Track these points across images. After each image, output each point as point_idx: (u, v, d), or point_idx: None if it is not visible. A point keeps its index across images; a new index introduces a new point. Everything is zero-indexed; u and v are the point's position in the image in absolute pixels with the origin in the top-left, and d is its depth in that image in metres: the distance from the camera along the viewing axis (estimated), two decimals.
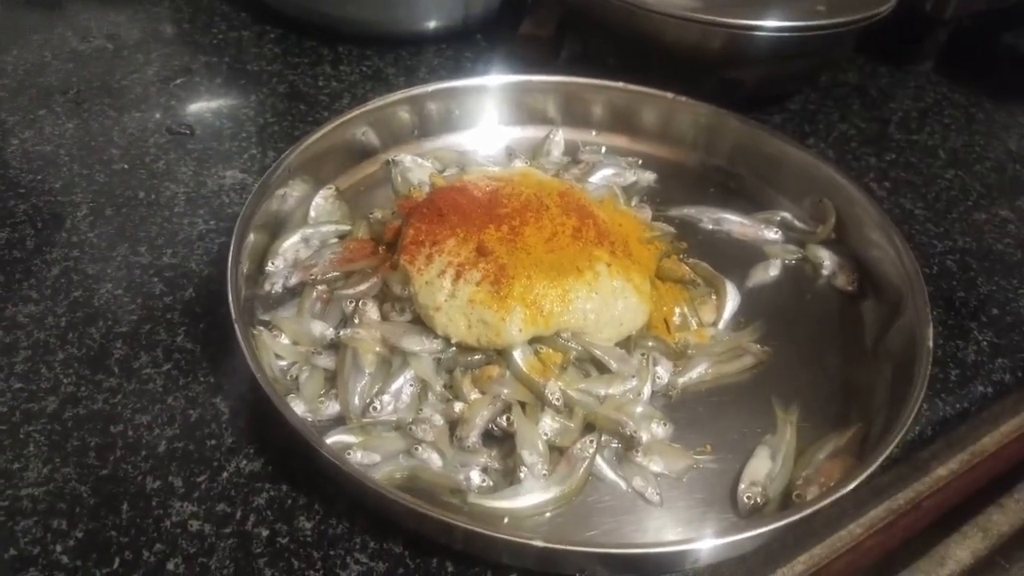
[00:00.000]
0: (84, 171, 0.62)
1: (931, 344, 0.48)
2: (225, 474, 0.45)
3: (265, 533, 0.42)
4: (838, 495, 0.41)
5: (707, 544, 0.40)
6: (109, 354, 0.50)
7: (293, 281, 0.53)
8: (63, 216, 0.59)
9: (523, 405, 0.47)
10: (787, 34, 0.68)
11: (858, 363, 0.52)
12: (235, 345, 0.45)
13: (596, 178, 0.63)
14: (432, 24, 0.78)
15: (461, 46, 0.80)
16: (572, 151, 0.67)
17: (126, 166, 0.63)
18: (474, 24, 0.80)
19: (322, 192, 0.59)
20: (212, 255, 0.57)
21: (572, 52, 0.79)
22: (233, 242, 0.49)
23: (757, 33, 0.67)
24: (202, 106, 0.71)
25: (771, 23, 0.67)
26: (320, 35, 0.79)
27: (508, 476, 0.45)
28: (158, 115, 0.69)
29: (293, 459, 0.45)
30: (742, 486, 0.45)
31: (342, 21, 0.77)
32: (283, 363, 0.49)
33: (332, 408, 0.47)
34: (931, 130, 0.77)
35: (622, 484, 0.45)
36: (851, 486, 0.41)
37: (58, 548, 0.41)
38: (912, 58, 0.85)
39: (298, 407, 0.46)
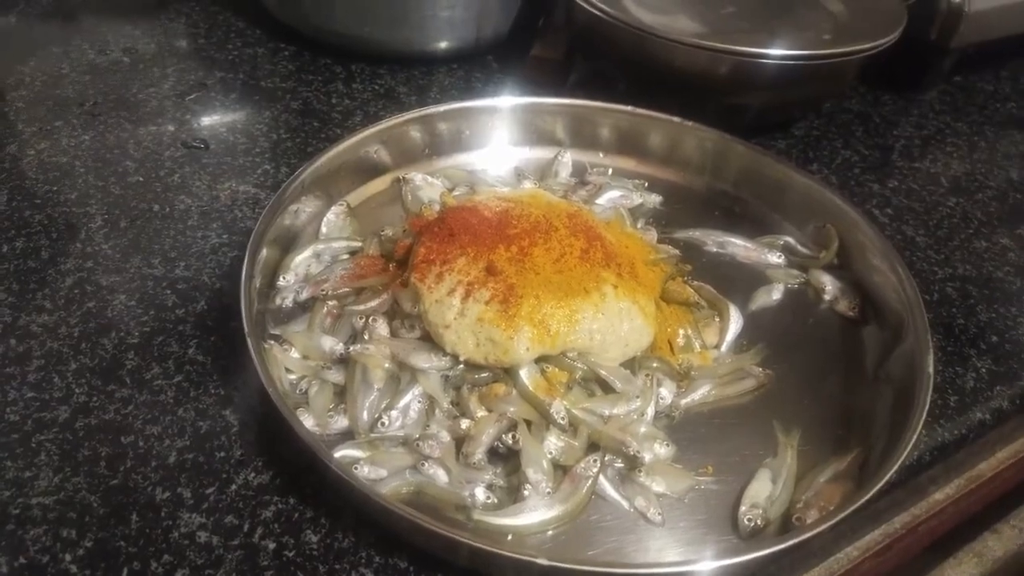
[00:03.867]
0: (99, 183, 0.63)
1: (931, 371, 0.48)
2: (234, 486, 0.45)
3: (272, 546, 0.43)
4: (837, 519, 0.42)
5: (707, 566, 0.41)
6: (121, 365, 0.50)
7: (304, 296, 0.54)
8: (78, 227, 0.59)
9: (528, 423, 0.47)
10: (793, 62, 0.69)
11: (859, 388, 0.53)
12: (246, 358, 0.45)
13: (603, 200, 0.64)
14: (444, 45, 0.79)
15: (472, 67, 0.81)
16: (580, 173, 0.67)
17: (141, 179, 0.64)
18: (485, 46, 0.81)
19: (334, 208, 0.60)
20: (224, 268, 0.57)
21: (581, 75, 0.79)
22: (247, 256, 0.50)
23: (763, 61, 0.68)
24: (216, 121, 0.72)
25: (777, 51, 0.68)
26: (334, 53, 0.80)
27: (512, 493, 0.45)
28: (173, 129, 0.70)
29: (301, 473, 0.45)
30: (743, 508, 0.46)
31: (356, 40, 0.78)
32: (293, 377, 0.49)
33: (340, 423, 0.48)
34: (933, 158, 0.78)
35: (624, 504, 0.46)
36: (850, 510, 0.42)
37: (67, 557, 0.41)
38: (916, 86, 0.86)
39: (307, 421, 0.47)
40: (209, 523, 0.43)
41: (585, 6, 0.71)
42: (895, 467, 0.43)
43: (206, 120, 0.71)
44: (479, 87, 0.79)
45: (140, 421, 0.48)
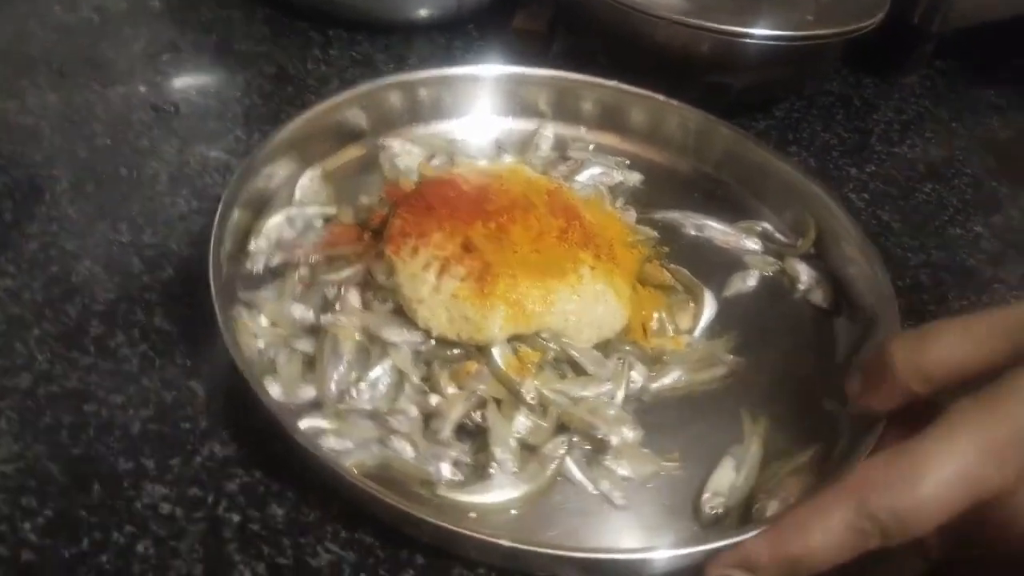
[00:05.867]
0: (66, 145, 0.62)
1: None
2: (199, 458, 0.45)
3: (236, 519, 0.42)
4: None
5: (664, 554, 0.42)
6: (85, 332, 0.50)
7: (276, 261, 0.53)
8: (43, 190, 0.58)
9: (498, 402, 0.47)
10: (775, 42, 0.69)
11: (828, 380, 0.52)
12: (214, 325, 0.45)
13: (583, 176, 0.64)
14: (424, 12, 0.78)
15: (452, 36, 0.80)
16: (561, 147, 0.67)
17: (108, 141, 0.63)
18: (467, 14, 0.80)
19: (308, 173, 0.60)
20: (193, 236, 0.56)
21: (563, 48, 0.79)
22: (217, 218, 0.50)
23: (745, 40, 0.68)
24: (188, 84, 0.70)
25: (760, 31, 0.68)
26: (311, 18, 0.78)
27: (479, 471, 0.45)
28: (143, 91, 0.68)
29: (267, 445, 0.45)
30: (705, 495, 0.46)
31: (333, 5, 0.77)
32: (261, 344, 0.49)
33: (308, 393, 0.47)
34: (912, 143, 0.78)
35: (589, 486, 0.46)
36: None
37: (27, 526, 0.41)
38: (897, 70, 0.86)
39: (274, 389, 0.47)
40: (172, 494, 0.43)
41: None
42: (855, 464, 0.44)
43: (177, 83, 0.70)
44: (458, 56, 0.78)
45: (103, 390, 0.47)
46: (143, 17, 0.76)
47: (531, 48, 0.78)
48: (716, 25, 0.68)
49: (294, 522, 0.43)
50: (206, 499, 0.43)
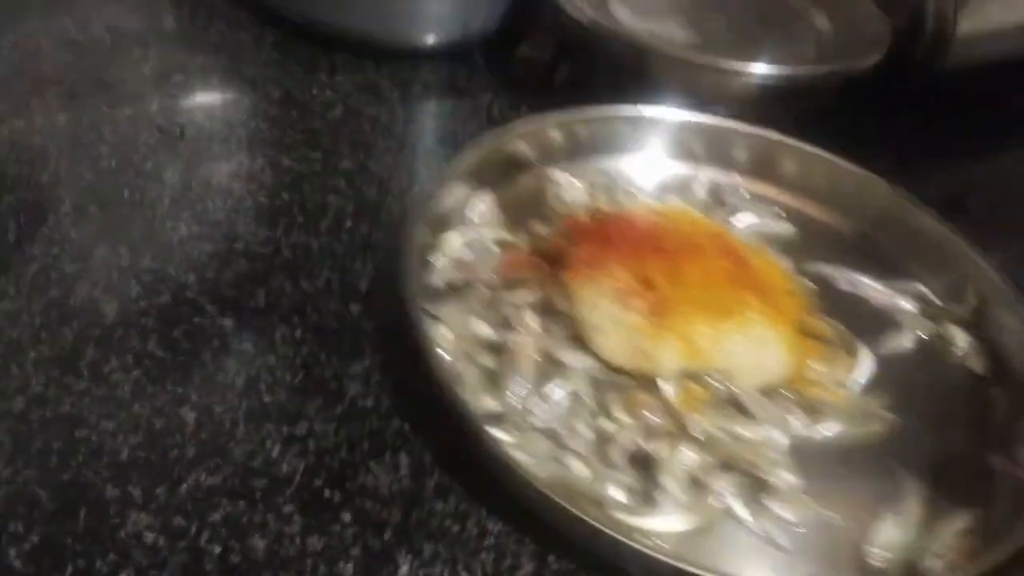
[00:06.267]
0: (72, 166, 0.69)
1: None
2: (184, 486, 0.48)
3: (218, 550, 0.46)
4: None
5: None
6: (81, 356, 0.54)
7: (457, 278, 0.60)
8: (47, 211, 0.64)
9: (668, 434, 0.53)
10: (774, 82, 0.74)
11: (985, 447, 0.57)
12: (408, 332, 0.50)
13: (740, 224, 0.69)
14: (430, 39, 0.84)
15: (457, 63, 0.86)
16: (715, 193, 0.72)
17: (114, 164, 0.69)
18: (472, 42, 0.87)
19: (483, 197, 0.66)
20: (192, 261, 0.62)
21: (567, 78, 0.84)
22: (406, 234, 0.56)
23: (746, 77, 0.73)
24: (194, 106, 0.76)
25: (761, 69, 0.73)
26: (318, 43, 0.85)
27: (646, 499, 0.50)
28: (150, 113, 0.74)
29: (255, 476, 0.48)
30: (871, 548, 0.50)
31: (340, 30, 0.83)
32: (447, 356, 0.54)
33: (490, 404, 0.52)
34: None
35: (753, 524, 0.50)
36: (981, 568, 0.47)
37: (12, 552, 0.45)
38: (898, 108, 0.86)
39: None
40: (156, 523, 0.46)
41: (571, 14, 0.77)
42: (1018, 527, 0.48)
43: (184, 105, 0.77)
44: (462, 84, 0.85)
45: (95, 415, 0.51)
46: (154, 37, 0.84)
47: (535, 77, 0.85)
48: (719, 61, 0.74)
49: (275, 555, 0.45)
50: (189, 529, 0.46)
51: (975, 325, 0.64)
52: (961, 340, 0.63)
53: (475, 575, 0.46)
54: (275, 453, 0.50)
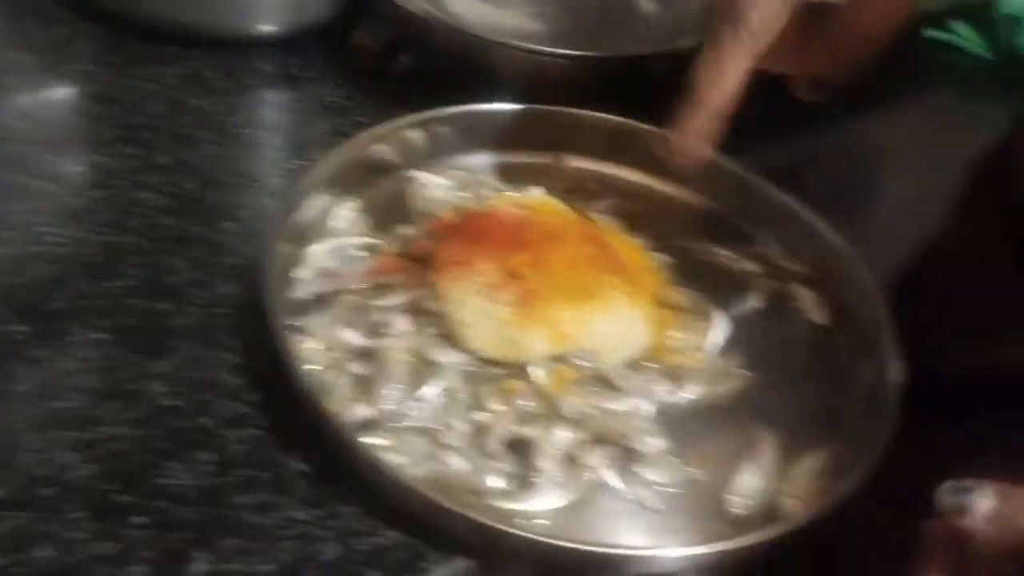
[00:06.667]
0: None
1: (899, 379, 0.61)
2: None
3: (1, 563, 0.47)
4: (818, 510, 0.53)
5: (698, 551, 0.51)
6: None
7: (323, 289, 0.64)
8: None
9: (541, 417, 0.59)
10: (612, 66, 0.82)
11: (831, 393, 0.65)
12: (275, 351, 0.54)
13: (600, 207, 0.77)
14: (261, 28, 0.88)
15: (291, 52, 0.89)
16: (577, 180, 0.80)
17: None
18: (306, 30, 0.90)
19: (344, 204, 0.71)
20: None
21: (402, 66, 0.90)
22: (266, 248, 0.59)
23: (582, 63, 0.81)
24: (8, 107, 0.77)
25: (595, 54, 0.81)
26: (143, 37, 0.86)
27: (524, 482, 0.56)
28: None
29: (41, 485, 0.50)
30: (730, 498, 0.58)
31: (164, 21, 0.85)
32: (314, 367, 0.59)
33: (362, 412, 0.57)
34: None
35: (625, 492, 0.57)
36: (829, 503, 0.53)
37: None
38: None
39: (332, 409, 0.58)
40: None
41: (401, 3, 0.82)
42: (870, 465, 0.55)
43: None
44: (296, 73, 0.88)
45: None
46: None
47: (370, 65, 0.89)
48: (552, 50, 0.80)
49: (62, 564, 0.47)
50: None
51: (815, 280, 0.72)
52: (804, 295, 0.72)
53: (279, 564, 0.47)
54: (65, 460, 0.50)
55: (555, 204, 0.72)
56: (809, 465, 0.59)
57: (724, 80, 0.60)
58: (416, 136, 0.76)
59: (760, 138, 0.84)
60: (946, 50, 1.03)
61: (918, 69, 1.00)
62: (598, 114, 0.79)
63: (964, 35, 1.02)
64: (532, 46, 0.80)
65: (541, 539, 0.50)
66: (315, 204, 0.69)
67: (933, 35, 1.03)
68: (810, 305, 0.72)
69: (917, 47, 1.02)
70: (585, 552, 0.51)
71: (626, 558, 0.52)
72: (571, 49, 0.81)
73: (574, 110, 0.79)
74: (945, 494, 0.41)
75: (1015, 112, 0.70)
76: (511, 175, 0.79)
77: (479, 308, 0.60)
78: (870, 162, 0.90)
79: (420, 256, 0.66)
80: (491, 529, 0.50)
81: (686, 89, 0.61)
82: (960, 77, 1.02)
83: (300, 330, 0.61)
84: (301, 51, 0.89)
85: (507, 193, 0.75)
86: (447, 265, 0.63)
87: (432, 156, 0.77)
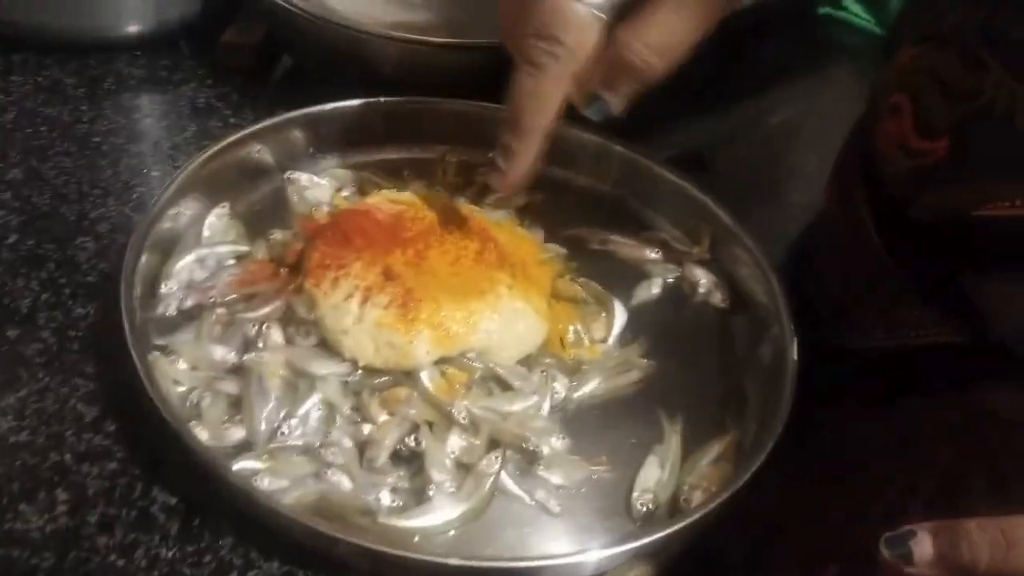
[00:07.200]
0: None
1: (796, 357, 0.60)
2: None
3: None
4: (720, 500, 0.52)
5: (604, 553, 0.50)
6: None
7: (189, 303, 0.61)
8: None
9: (431, 425, 0.57)
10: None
11: (733, 375, 0.65)
12: (132, 373, 0.51)
13: (491, 199, 0.74)
14: (124, 29, 0.83)
15: (158, 54, 0.86)
16: (466, 172, 0.77)
17: None
18: (174, 30, 0.87)
19: (215, 211, 0.68)
20: None
21: (280, 63, 0.87)
22: (125, 263, 0.56)
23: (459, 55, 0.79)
24: None
25: (469, 43, 0.78)
26: None
27: (417, 495, 0.54)
28: None
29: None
30: (635, 494, 0.56)
31: (18, 27, 0.81)
32: (182, 389, 0.56)
33: (237, 434, 0.55)
34: None
35: (526, 497, 0.56)
36: (730, 492, 0.52)
37: None
38: None
39: (202, 435, 0.54)
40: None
41: None
42: (768, 450, 0.54)
43: None
44: (165, 75, 0.85)
45: None
46: None
47: (244, 63, 0.85)
48: (436, 40, 0.78)
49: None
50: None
51: (713, 263, 0.72)
52: (703, 279, 0.71)
53: None
54: None
55: (438, 199, 0.70)
56: (712, 454, 0.59)
57: (548, 108, 0.58)
58: (294, 135, 0.72)
59: (669, 121, 0.83)
60: (840, 26, 1.05)
61: (817, 45, 1.02)
62: (485, 104, 0.76)
63: (855, 12, 1.05)
64: (413, 36, 0.78)
65: (433, 559, 0.48)
66: (182, 213, 0.65)
67: (828, 12, 1.06)
68: (709, 288, 0.72)
69: (813, 24, 1.05)
70: (486, 569, 0.49)
71: (534, 570, 0.49)
72: (455, 38, 0.79)
73: (460, 100, 0.77)
74: (886, 546, 0.43)
75: (872, 87, 0.67)
76: (397, 172, 0.76)
77: (355, 313, 0.57)
78: (777, 142, 0.91)
79: (293, 262, 0.63)
80: (382, 554, 0.48)
81: (508, 118, 0.58)
82: (854, 52, 1.04)
83: (164, 349, 0.57)
84: (170, 52, 0.85)
85: (384, 191, 0.72)
86: (318, 269, 0.59)
87: (311, 156, 0.74)
